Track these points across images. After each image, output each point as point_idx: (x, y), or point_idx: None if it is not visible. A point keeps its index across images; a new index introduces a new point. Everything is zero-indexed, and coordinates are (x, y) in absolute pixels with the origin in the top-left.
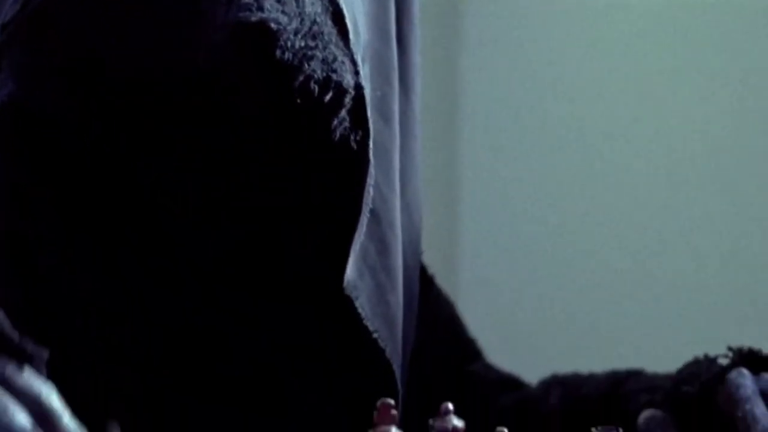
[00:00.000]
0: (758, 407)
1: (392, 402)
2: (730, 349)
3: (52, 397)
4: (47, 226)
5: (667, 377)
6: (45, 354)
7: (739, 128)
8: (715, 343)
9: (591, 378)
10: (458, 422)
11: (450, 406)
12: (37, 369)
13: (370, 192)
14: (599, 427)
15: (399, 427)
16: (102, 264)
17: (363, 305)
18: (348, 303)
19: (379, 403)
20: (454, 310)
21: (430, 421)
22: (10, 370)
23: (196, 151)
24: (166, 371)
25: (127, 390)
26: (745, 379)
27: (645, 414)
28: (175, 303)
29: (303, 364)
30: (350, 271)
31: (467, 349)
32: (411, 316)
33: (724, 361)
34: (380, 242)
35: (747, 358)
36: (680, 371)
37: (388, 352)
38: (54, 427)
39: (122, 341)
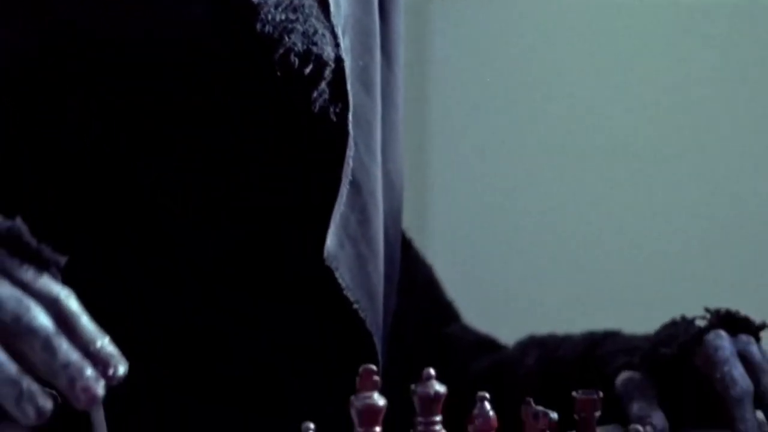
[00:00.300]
0: (736, 369)
1: (374, 368)
2: (707, 310)
3: (70, 300)
4: (47, 226)
5: (644, 338)
6: (62, 261)
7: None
8: (692, 304)
9: (567, 339)
10: (440, 387)
11: (432, 371)
12: (54, 276)
13: (350, 164)
14: (579, 391)
15: (381, 393)
16: (102, 264)
17: (343, 275)
18: (329, 274)
19: (361, 369)
20: (431, 273)
21: (413, 387)
22: (30, 274)
23: (196, 151)
24: (166, 371)
25: (126, 390)
26: (723, 341)
27: (623, 376)
28: (175, 303)
29: (303, 364)
30: (330, 241)
31: (445, 312)
32: (391, 285)
33: (701, 323)
34: (361, 212)
35: (724, 319)
36: (658, 333)
37: (368, 323)
38: (73, 328)
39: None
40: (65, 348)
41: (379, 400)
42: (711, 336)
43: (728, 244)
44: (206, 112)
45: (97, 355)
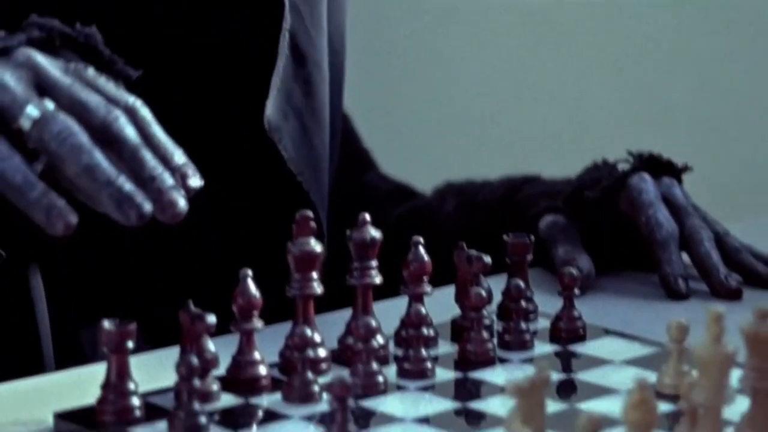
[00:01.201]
0: (661, 211)
1: (311, 214)
2: (630, 153)
3: (145, 109)
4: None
5: (566, 182)
6: (134, 74)
7: None
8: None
9: (486, 185)
10: (375, 233)
11: (367, 216)
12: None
13: (286, 36)
14: (510, 234)
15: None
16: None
17: (286, 147)
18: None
19: (297, 216)
20: (350, 123)
21: (348, 233)
22: (105, 81)
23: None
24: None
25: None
26: (646, 184)
27: (546, 220)
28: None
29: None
30: (270, 111)
31: (362, 161)
32: (334, 154)
33: (624, 166)
34: (306, 83)
35: (647, 162)
36: (580, 176)
37: (312, 195)
38: (151, 138)
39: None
40: (150, 159)
41: (316, 246)
42: (635, 179)
43: (647, 88)
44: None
45: (176, 168)
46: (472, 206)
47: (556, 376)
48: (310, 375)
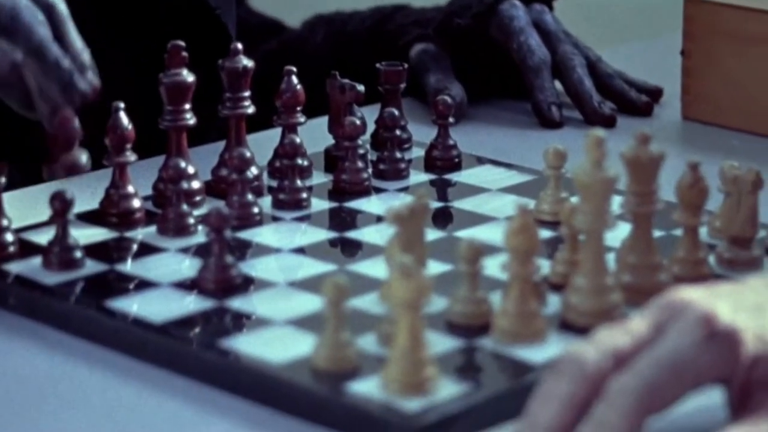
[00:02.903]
0: (533, 38)
1: (182, 44)
2: None
3: (62, 5)
4: None
5: (436, 10)
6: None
7: None
8: None
9: (355, 15)
10: (248, 62)
11: (239, 45)
12: None
13: None
14: (383, 63)
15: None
16: None
17: None
18: None
19: (169, 46)
20: None
21: (220, 62)
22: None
23: None
24: None
25: None
26: (517, 10)
27: (417, 48)
28: None
29: None
30: None
31: None
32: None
33: None
34: None
35: None
36: (451, 3)
37: (230, 28)
38: (63, 35)
39: None
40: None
41: (188, 77)
42: (505, 5)
43: None
44: None
45: (82, 68)
46: (342, 35)
47: (432, 205)
48: (184, 207)
